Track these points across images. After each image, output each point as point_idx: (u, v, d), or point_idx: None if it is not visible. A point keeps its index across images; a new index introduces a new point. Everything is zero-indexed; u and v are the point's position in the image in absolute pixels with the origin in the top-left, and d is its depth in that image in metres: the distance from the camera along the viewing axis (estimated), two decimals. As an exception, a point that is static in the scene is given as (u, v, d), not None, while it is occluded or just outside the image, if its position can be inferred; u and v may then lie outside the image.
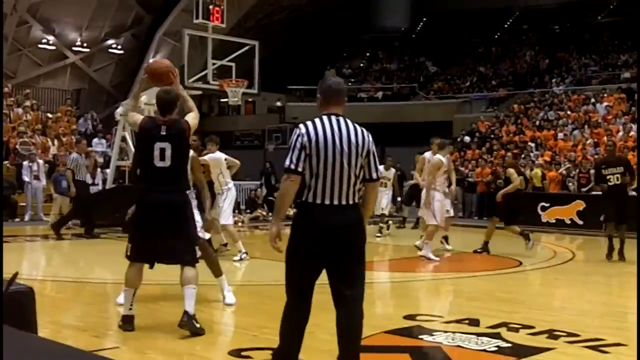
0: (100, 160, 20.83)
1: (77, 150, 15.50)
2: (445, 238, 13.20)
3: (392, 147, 20.32)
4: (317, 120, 4.55)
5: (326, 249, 4.47)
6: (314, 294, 4.51)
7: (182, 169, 6.28)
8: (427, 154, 12.84)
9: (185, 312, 6.13)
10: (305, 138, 4.47)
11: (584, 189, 19.06)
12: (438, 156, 12.00)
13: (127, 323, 6.36)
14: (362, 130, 4.60)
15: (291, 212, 5.09)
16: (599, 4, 39.62)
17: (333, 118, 4.56)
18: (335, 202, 4.48)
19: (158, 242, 6.16)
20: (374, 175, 4.62)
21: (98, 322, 6.95)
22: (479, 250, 12.77)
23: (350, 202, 4.53)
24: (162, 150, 6.10)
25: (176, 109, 6.40)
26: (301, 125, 4.55)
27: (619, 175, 12.12)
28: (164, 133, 6.18)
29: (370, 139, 4.61)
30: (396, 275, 11.24)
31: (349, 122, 4.60)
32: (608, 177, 12.22)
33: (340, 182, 4.47)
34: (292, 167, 4.45)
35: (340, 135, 4.49)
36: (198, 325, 6.09)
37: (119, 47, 35.39)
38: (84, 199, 15.34)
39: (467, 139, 27.77)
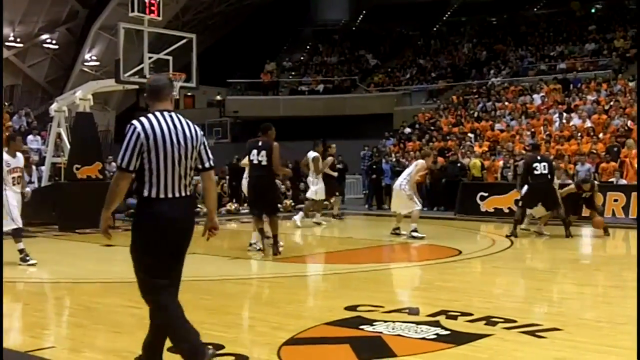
0: (36, 157, 20.38)
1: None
2: (398, 229, 14.02)
3: (334, 140, 20.36)
4: (151, 117, 4.62)
5: (170, 241, 4.59)
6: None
7: None
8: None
9: None
10: (142, 135, 4.52)
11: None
12: (422, 161, 14.10)
13: None
14: (193, 124, 4.76)
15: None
16: (535, -4, 40.42)
17: (165, 114, 4.66)
18: (177, 194, 4.61)
19: None
20: (207, 164, 4.80)
21: (34, 322, 6.80)
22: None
23: (188, 193, 4.69)
24: None
25: None
26: (135, 123, 4.59)
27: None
28: None
29: (201, 131, 4.80)
30: (337, 267, 11.26)
31: (180, 117, 4.74)
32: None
33: (179, 175, 4.61)
34: (124, 165, 4.52)
35: (175, 130, 4.61)
36: None
37: (54, 42, 34.70)
38: None
39: (407, 130, 27.97)
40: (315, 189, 16.70)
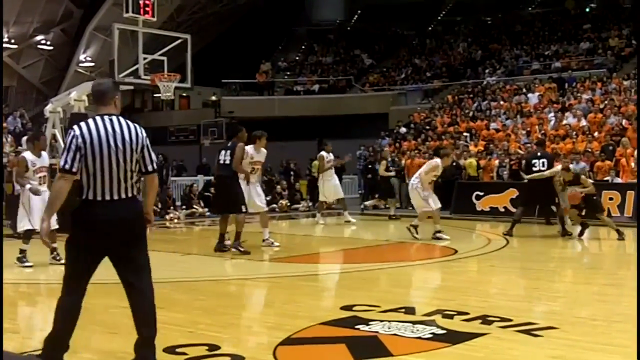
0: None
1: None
2: (415, 227, 13.53)
3: (330, 140, 20.32)
4: (90, 121, 4.75)
5: (108, 243, 4.72)
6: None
7: None
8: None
9: None
10: (80, 139, 4.66)
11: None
12: (437, 160, 13.36)
13: None
14: (135, 127, 4.82)
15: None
16: (530, -5, 40.50)
17: (106, 118, 4.77)
18: (115, 197, 4.71)
19: None
20: (150, 168, 4.89)
21: (30, 324, 6.79)
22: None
23: (129, 195, 4.77)
24: None
25: None
26: (75, 127, 4.74)
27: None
28: None
29: (144, 134, 4.85)
30: (333, 267, 11.29)
31: (122, 120, 4.81)
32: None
33: (118, 178, 4.70)
34: (67, 167, 4.66)
35: (114, 134, 4.70)
36: None
37: (48, 42, 34.60)
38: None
39: (403, 130, 27.98)
40: (322, 190, 17.08)
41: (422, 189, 13.22)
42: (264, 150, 12.46)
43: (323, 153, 17.25)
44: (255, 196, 12.27)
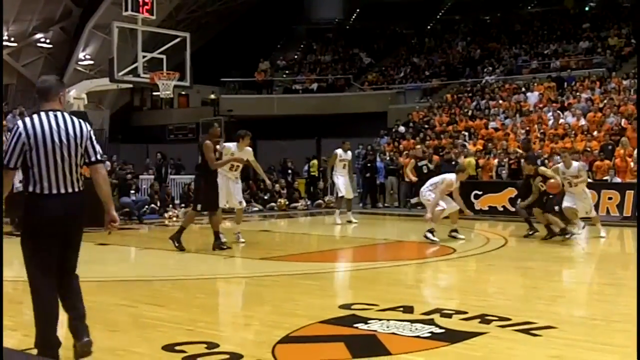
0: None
1: None
2: (455, 230, 13.36)
3: (328, 139, 20.22)
4: (34, 117, 4.85)
5: (56, 234, 4.85)
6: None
7: None
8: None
9: None
10: (23, 135, 4.77)
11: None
12: (451, 177, 12.94)
13: None
14: (79, 122, 4.96)
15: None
16: (529, -6, 40.47)
17: (50, 114, 4.88)
18: (62, 191, 4.84)
19: None
20: (93, 158, 4.96)
21: (29, 321, 6.76)
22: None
23: (76, 189, 4.90)
24: None
25: None
26: (19, 123, 4.86)
27: None
28: None
29: (89, 129, 4.98)
30: (332, 266, 11.27)
31: (66, 115, 4.95)
32: None
33: (63, 172, 4.83)
34: (5, 162, 4.76)
35: (58, 129, 4.82)
36: None
37: (48, 41, 34.57)
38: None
39: (402, 129, 27.95)
40: (338, 186, 16.89)
41: (434, 201, 12.85)
42: (247, 149, 12.46)
43: (338, 150, 16.99)
44: (236, 193, 12.47)
